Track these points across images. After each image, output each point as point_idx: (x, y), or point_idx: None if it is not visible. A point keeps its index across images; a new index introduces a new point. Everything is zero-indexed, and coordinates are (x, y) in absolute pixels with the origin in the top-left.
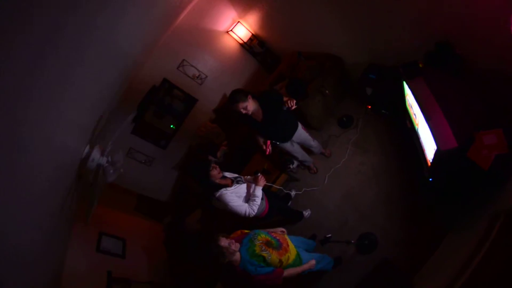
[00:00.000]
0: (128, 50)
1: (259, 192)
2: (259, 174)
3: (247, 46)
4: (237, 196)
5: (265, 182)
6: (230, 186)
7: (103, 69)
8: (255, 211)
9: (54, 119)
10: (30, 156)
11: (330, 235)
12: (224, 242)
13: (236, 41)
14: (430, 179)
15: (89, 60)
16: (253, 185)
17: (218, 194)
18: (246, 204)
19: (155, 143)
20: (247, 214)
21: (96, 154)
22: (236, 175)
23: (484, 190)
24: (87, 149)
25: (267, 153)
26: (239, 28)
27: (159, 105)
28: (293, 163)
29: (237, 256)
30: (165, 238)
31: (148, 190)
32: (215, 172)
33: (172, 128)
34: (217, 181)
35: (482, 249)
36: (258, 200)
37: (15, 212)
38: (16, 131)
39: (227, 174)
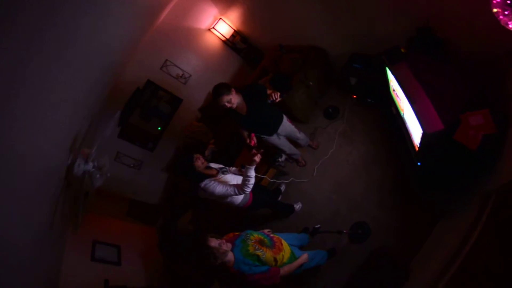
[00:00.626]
0: (111, 50)
1: (251, 172)
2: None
3: (229, 43)
4: (222, 185)
5: (259, 160)
6: (215, 176)
7: (87, 72)
8: (247, 192)
9: (38, 125)
10: (14, 162)
11: (319, 225)
12: (213, 242)
13: (219, 38)
14: (419, 164)
15: (73, 63)
16: (237, 177)
17: (203, 184)
18: (234, 188)
19: (142, 146)
20: (236, 193)
21: (81, 160)
22: (221, 166)
23: (473, 171)
24: (72, 155)
25: (252, 144)
26: (221, 25)
27: (145, 107)
28: (281, 157)
29: (230, 256)
30: (159, 241)
31: (138, 194)
32: (199, 163)
33: (159, 130)
34: (202, 171)
35: (475, 230)
36: (252, 181)
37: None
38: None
39: (213, 165)
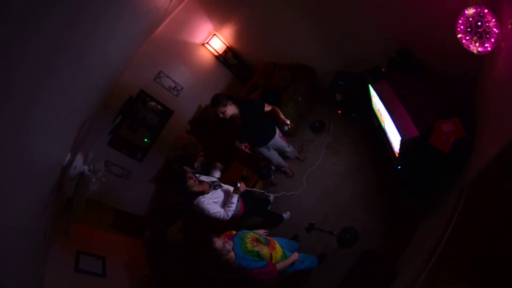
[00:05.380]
0: (114, 59)
1: (235, 198)
2: (238, 184)
3: (222, 58)
4: (214, 202)
5: (243, 190)
6: (207, 192)
7: (90, 76)
8: (230, 216)
9: (35, 124)
10: (10, 164)
11: (314, 221)
12: (218, 243)
13: (212, 53)
14: (399, 167)
15: (76, 66)
16: (230, 189)
17: (195, 201)
18: (222, 210)
19: (131, 155)
20: (221, 218)
21: (78, 162)
22: (214, 179)
23: (447, 171)
24: (68, 156)
25: (247, 149)
26: (215, 41)
27: (132, 119)
28: (270, 169)
29: (232, 253)
30: (147, 252)
31: (125, 205)
32: (191, 182)
33: (146, 142)
34: (195, 188)
35: (452, 220)
36: (233, 206)
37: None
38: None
39: (204, 178)
